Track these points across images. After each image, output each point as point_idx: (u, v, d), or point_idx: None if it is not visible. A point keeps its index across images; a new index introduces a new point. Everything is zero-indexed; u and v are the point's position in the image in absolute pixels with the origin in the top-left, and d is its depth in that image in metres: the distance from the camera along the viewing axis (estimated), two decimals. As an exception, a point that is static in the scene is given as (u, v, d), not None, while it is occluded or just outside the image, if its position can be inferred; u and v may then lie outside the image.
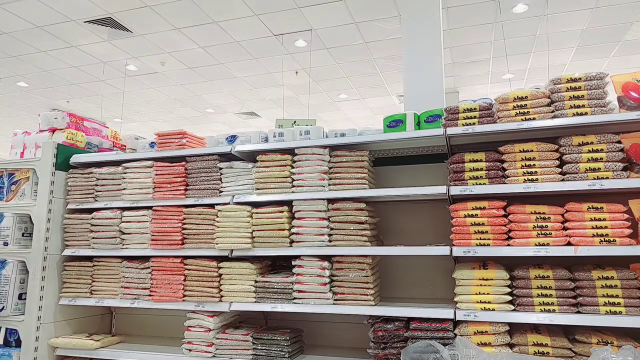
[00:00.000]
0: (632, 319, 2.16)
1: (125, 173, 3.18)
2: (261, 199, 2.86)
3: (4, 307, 3.04)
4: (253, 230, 2.83)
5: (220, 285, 2.87)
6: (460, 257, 2.54)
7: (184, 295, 2.90)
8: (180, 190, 3.03)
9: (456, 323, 2.42)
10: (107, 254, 3.11)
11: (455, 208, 2.52)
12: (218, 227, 2.87)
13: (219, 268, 2.87)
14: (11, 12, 6.10)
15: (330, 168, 2.81)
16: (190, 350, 2.84)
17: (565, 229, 2.37)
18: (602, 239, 2.28)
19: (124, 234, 3.11)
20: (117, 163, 3.25)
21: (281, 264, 3.06)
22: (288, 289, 2.72)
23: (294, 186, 2.83)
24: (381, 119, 3.00)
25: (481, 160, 2.54)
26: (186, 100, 9.99)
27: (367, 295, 2.60)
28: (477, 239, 2.45)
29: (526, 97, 2.51)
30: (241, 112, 10.92)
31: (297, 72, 8.35)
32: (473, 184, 2.52)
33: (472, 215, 2.47)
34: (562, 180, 2.38)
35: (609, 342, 2.20)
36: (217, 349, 2.80)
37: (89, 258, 3.18)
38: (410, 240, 2.97)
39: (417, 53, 4.28)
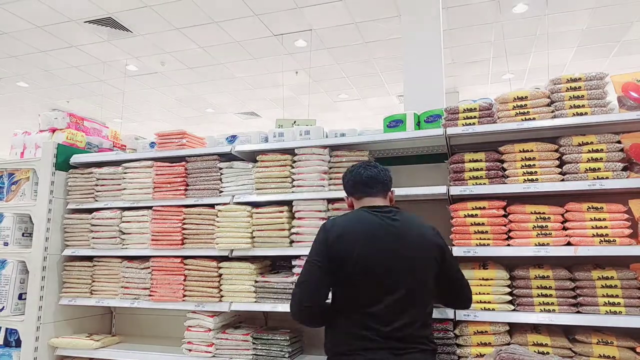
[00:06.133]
0: (632, 319, 2.16)
1: (125, 173, 3.18)
2: (261, 199, 2.86)
3: (4, 307, 3.04)
4: (253, 230, 2.83)
5: (220, 285, 2.86)
6: (460, 257, 2.53)
7: (184, 295, 2.90)
8: (180, 190, 3.03)
9: (456, 323, 2.42)
10: (107, 254, 3.11)
11: (455, 208, 2.52)
12: (218, 227, 2.87)
13: (219, 268, 2.87)
14: (11, 12, 6.09)
15: (330, 168, 2.81)
16: (190, 350, 2.84)
17: (565, 229, 2.37)
18: (602, 239, 2.28)
19: (124, 234, 3.11)
20: (117, 163, 3.24)
21: (281, 264, 3.05)
22: (288, 289, 2.72)
23: (294, 186, 2.83)
24: (381, 119, 3.00)
25: (481, 160, 2.54)
26: (186, 100, 9.99)
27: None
28: (477, 239, 2.45)
29: (526, 97, 2.51)
30: (241, 112, 10.92)
31: (297, 72, 8.34)
32: (473, 184, 2.52)
33: (472, 215, 2.47)
34: (562, 180, 2.38)
35: (609, 342, 2.20)
36: (217, 349, 2.79)
37: (89, 258, 3.18)
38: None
39: (417, 53, 4.28)
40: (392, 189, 2.12)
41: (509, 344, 2.32)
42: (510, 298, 2.37)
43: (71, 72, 8.29)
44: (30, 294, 3.04)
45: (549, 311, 2.29)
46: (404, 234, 1.91)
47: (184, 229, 2.97)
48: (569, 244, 2.34)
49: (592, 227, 2.31)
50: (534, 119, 2.46)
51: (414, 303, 1.85)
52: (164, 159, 3.16)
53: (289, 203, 2.83)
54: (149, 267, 3.01)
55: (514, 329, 2.41)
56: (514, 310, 2.35)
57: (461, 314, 2.37)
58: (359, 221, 1.95)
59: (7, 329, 3.21)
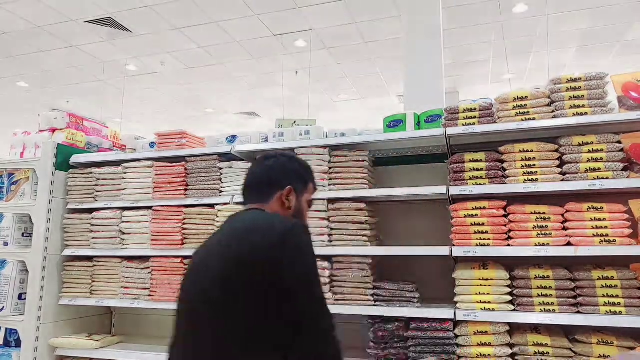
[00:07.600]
0: (632, 319, 2.16)
1: (125, 173, 3.17)
2: (261, 199, 2.86)
3: (4, 307, 3.04)
4: (253, 230, 2.82)
5: (220, 285, 2.86)
6: (460, 257, 2.53)
7: (184, 295, 2.90)
8: (180, 190, 3.03)
9: (456, 323, 2.42)
10: (107, 254, 3.11)
11: (456, 208, 2.52)
12: (218, 227, 2.87)
13: (219, 268, 2.86)
14: (11, 12, 6.09)
15: (330, 168, 2.80)
16: (190, 350, 2.84)
17: (565, 229, 2.37)
18: (602, 239, 2.28)
19: (124, 234, 3.11)
20: (117, 163, 3.24)
21: (281, 264, 3.05)
22: (288, 289, 2.71)
23: (294, 186, 2.82)
24: (381, 119, 3.00)
25: (481, 160, 2.54)
26: (186, 100, 9.98)
27: (367, 295, 2.60)
28: (477, 239, 2.45)
29: (526, 97, 2.51)
30: (241, 112, 10.92)
31: (297, 72, 8.34)
32: (473, 184, 2.51)
33: (472, 215, 2.47)
34: (562, 180, 2.38)
35: (609, 342, 2.20)
36: (217, 349, 2.79)
37: (89, 258, 3.18)
38: (410, 240, 2.96)
39: (417, 53, 4.28)
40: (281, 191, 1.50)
41: (509, 344, 2.32)
42: (510, 298, 2.37)
43: (71, 72, 8.29)
44: (30, 294, 3.03)
45: (549, 311, 2.29)
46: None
47: (184, 229, 2.96)
48: (569, 244, 2.33)
49: (592, 227, 2.31)
50: (534, 119, 2.46)
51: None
52: (164, 159, 3.16)
53: (289, 203, 2.83)
54: (149, 267, 3.00)
55: (514, 329, 2.41)
56: (514, 310, 2.35)
57: (461, 314, 2.37)
58: None
59: (7, 329, 3.20)
